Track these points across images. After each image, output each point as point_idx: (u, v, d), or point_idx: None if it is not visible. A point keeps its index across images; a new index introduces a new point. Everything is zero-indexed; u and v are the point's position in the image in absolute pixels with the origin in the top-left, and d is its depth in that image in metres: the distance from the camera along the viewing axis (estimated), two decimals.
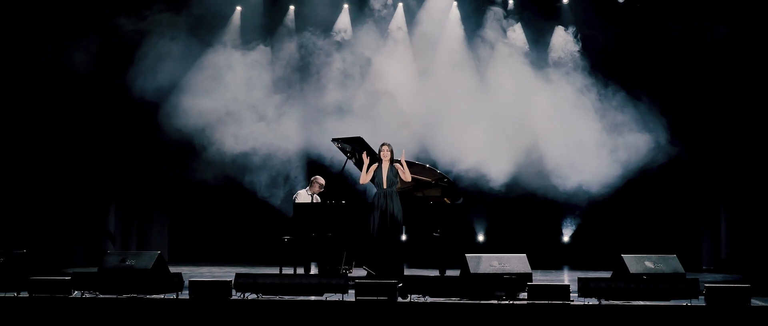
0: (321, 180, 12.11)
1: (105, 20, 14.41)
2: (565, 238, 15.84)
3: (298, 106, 15.15)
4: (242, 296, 8.98)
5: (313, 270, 11.87)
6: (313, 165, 15.13)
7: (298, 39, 15.43)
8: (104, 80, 14.57)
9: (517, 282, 9.03)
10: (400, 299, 8.87)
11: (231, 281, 8.99)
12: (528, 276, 9.50)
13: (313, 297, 9.00)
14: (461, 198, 11.69)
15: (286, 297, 8.99)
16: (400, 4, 15.50)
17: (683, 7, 14.32)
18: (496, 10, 15.25)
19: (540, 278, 9.73)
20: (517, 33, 15.26)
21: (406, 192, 11.42)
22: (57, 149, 14.53)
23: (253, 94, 15.04)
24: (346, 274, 10.99)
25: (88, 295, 9.05)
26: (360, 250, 11.19)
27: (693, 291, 8.77)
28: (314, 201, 11.68)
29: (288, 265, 11.58)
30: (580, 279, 8.92)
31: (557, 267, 14.77)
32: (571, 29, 15.19)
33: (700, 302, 8.68)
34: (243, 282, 9.03)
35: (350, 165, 11.87)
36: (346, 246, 11.59)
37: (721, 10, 14.01)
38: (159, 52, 14.60)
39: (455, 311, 8.52)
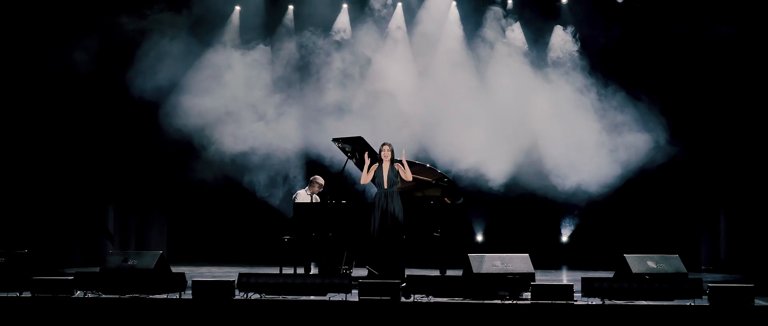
0: (320, 180, 12.09)
1: (106, 20, 14.40)
2: (564, 238, 15.85)
3: (297, 106, 15.12)
4: (245, 296, 8.97)
5: (313, 270, 11.85)
6: (313, 165, 15.11)
7: (297, 38, 15.41)
8: (104, 80, 14.54)
9: (520, 281, 9.04)
10: (403, 299, 8.88)
11: (234, 281, 8.98)
12: (531, 276, 9.51)
13: (316, 297, 8.99)
14: (461, 198, 11.69)
15: (289, 297, 8.98)
16: (400, 4, 15.48)
17: (683, 7, 14.34)
18: (495, 10, 15.26)
19: (539, 278, 9.73)
20: (516, 33, 15.25)
21: (407, 192, 11.41)
22: (56, 149, 14.49)
23: (253, 94, 15.02)
24: (347, 274, 10.97)
25: (90, 295, 9.04)
26: (361, 250, 11.17)
27: (696, 291, 8.78)
28: (314, 201, 11.66)
29: (288, 265, 11.56)
30: (583, 279, 8.93)
31: (556, 267, 14.76)
32: (570, 29, 15.19)
33: (703, 302, 8.70)
34: (246, 282, 9.02)
35: (350, 165, 11.86)
36: (346, 246, 11.57)
37: (721, 10, 14.02)
38: (159, 52, 14.57)
39: (459, 311, 8.52)
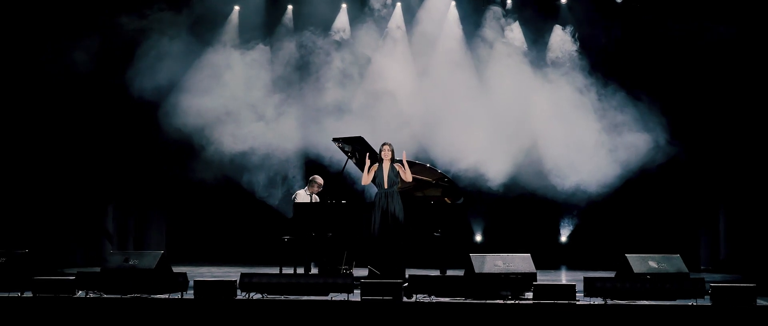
0: (319, 179, 12.07)
1: (106, 19, 14.38)
2: (563, 238, 15.85)
3: (297, 106, 15.12)
4: (247, 296, 8.95)
5: (313, 271, 11.83)
6: (312, 164, 15.10)
7: (297, 38, 15.40)
8: (104, 79, 14.53)
9: (522, 281, 9.03)
10: (405, 299, 8.87)
11: (236, 281, 8.96)
12: (533, 276, 9.49)
13: (318, 297, 8.97)
14: (462, 198, 11.67)
15: (291, 297, 8.97)
16: (399, 4, 15.49)
17: (683, 7, 14.35)
18: (495, 10, 15.26)
19: (538, 278, 9.71)
20: (515, 32, 15.27)
21: (407, 192, 11.40)
22: (55, 148, 14.47)
23: (252, 94, 15.03)
24: (348, 274, 10.95)
25: (92, 295, 9.02)
26: (362, 250, 11.15)
27: (698, 291, 8.78)
28: (313, 201, 11.65)
29: (288, 265, 11.54)
30: (585, 279, 8.93)
31: (555, 266, 14.76)
32: (569, 28, 15.19)
33: (705, 302, 8.70)
34: (248, 282, 9.00)
35: (350, 164, 11.84)
36: (346, 245, 11.55)
37: (721, 10, 14.04)
38: (158, 52, 14.57)
39: (461, 310, 8.51)
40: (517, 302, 8.73)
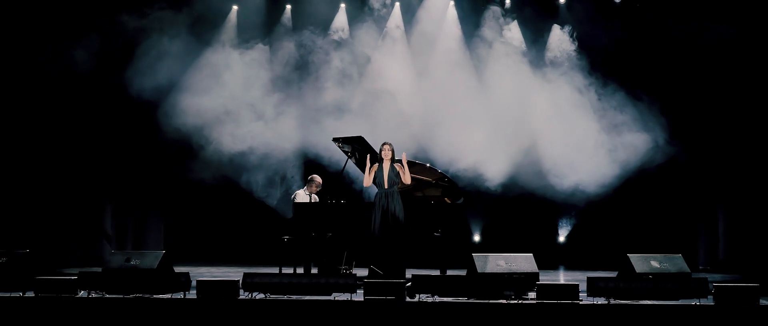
0: (318, 179, 12.04)
1: (106, 19, 14.36)
2: (561, 238, 15.86)
3: (296, 105, 15.11)
4: (250, 296, 8.94)
5: (313, 271, 11.80)
6: (310, 164, 15.08)
7: (296, 38, 15.38)
8: (103, 79, 14.50)
9: (525, 281, 9.03)
10: (408, 298, 8.86)
11: (239, 281, 8.94)
12: (535, 276, 9.49)
13: (321, 297, 8.96)
14: (462, 198, 11.64)
15: (294, 297, 8.95)
16: (398, 3, 15.49)
17: (683, 7, 14.37)
18: (494, 9, 15.26)
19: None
20: (514, 32, 15.27)
21: (407, 191, 11.37)
22: (54, 148, 14.44)
23: (252, 93, 15.01)
24: (350, 274, 10.93)
25: (94, 295, 8.99)
26: (362, 250, 11.13)
27: (702, 291, 8.79)
28: (312, 200, 11.63)
29: (288, 265, 11.51)
30: (588, 279, 8.93)
31: (553, 266, 14.74)
32: (567, 28, 15.20)
33: (708, 301, 8.71)
34: (251, 282, 8.99)
35: (350, 164, 11.82)
36: (346, 245, 11.54)
37: (721, 10, 14.06)
38: (158, 51, 14.56)
39: (464, 310, 8.51)
40: (520, 302, 8.72)
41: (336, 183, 11.94)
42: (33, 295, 8.93)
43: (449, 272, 10.77)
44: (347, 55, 15.17)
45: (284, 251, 11.44)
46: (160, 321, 8.60)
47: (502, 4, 15.36)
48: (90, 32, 14.20)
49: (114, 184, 15.08)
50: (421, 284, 9.01)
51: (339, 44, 15.30)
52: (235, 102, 14.89)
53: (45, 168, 14.33)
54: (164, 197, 15.73)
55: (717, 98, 14.37)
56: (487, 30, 15.23)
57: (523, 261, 9.73)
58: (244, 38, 15.33)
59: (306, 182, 12.10)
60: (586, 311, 8.49)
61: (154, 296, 8.95)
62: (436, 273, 10.82)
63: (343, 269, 11.37)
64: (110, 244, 14.87)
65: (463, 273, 9.85)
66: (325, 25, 15.39)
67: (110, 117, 14.78)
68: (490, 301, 8.75)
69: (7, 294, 8.99)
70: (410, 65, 15.30)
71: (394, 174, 10.42)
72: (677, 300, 8.78)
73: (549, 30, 15.33)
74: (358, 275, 9.95)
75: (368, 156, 10.55)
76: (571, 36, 15.15)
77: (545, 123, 14.68)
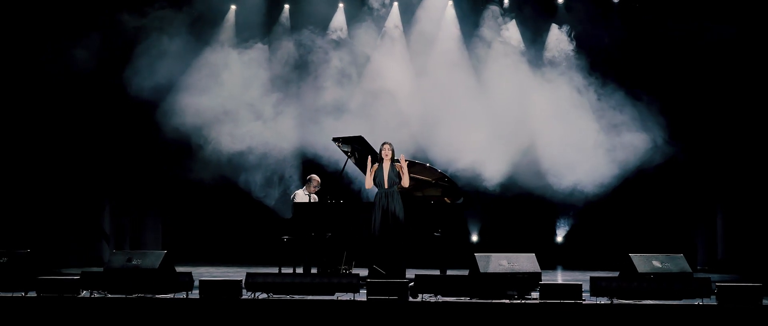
0: (317, 178, 12.02)
1: (106, 18, 14.32)
2: (559, 238, 15.87)
3: (295, 105, 15.11)
4: (253, 295, 8.92)
5: (313, 271, 11.78)
6: (309, 164, 15.08)
7: (295, 37, 15.37)
8: (102, 79, 14.49)
9: (528, 281, 9.03)
10: (411, 298, 8.85)
11: (241, 280, 8.92)
12: (538, 276, 9.48)
13: (324, 297, 8.94)
14: (462, 198, 11.63)
15: (297, 297, 8.93)
16: (396, 3, 15.49)
17: (683, 7, 14.39)
18: (492, 9, 15.26)
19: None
20: (512, 32, 15.28)
21: (407, 191, 11.34)
22: (53, 148, 14.41)
23: (250, 93, 15.00)
24: (351, 274, 10.92)
25: (97, 295, 8.96)
26: (361, 250, 11.12)
27: (704, 291, 8.79)
28: (311, 200, 11.61)
29: (287, 265, 11.49)
30: (591, 279, 8.93)
31: (551, 267, 14.72)
32: (566, 28, 15.21)
33: (711, 301, 8.71)
34: (253, 282, 8.97)
35: (349, 164, 11.81)
36: (346, 245, 11.52)
37: (721, 10, 14.08)
38: (157, 50, 14.54)
39: (467, 310, 8.50)
40: (523, 301, 8.72)
41: (335, 183, 11.92)
42: (35, 295, 8.91)
43: (449, 272, 10.76)
44: (346, 55, 15.17)
45: (283, 251, 11.42)
46: (162, 321, 8.58)
47: (500, 3, 15.37)
48: (90, 32, 14.17)
49: (112, 184, 15.04)
50: (424, 284, 8.99)
51: (338, 44, 15.29)
52: (233, 101, 14.88)
53: (44, 167, 14.28)
54: (162, 197, 15.71)
55: (716, 98, 14.40)
56: (486, 30, 15.23)
57: (525, 261, 9.72)
58: (243, 38, 15.32)
59: (304, 182, 12.08)
60: (589, 311, 8.49)
61: (157, 296, 8.92)
62: (436, 273, 10.82)
63: (343, 269, 11.35)
64: (109, 244, 14.84)
65: (462, 273, 9.84)
66: (323, 25, 15.38)
67: (109, 116, 14.75)
68: (494, 301, 8.75)
69: (9, 294, 8.97)
70: (409, 65, 15.30)
71: (394, 174, 10.41)
72: (680, 299, 8.78)
73: (548, 30, 15.33)
74: (358, 275, 9.95)
75: (368, 156, 10.53)
76: (570, 36, 15.15)
77: (544, 123, 14.66)
